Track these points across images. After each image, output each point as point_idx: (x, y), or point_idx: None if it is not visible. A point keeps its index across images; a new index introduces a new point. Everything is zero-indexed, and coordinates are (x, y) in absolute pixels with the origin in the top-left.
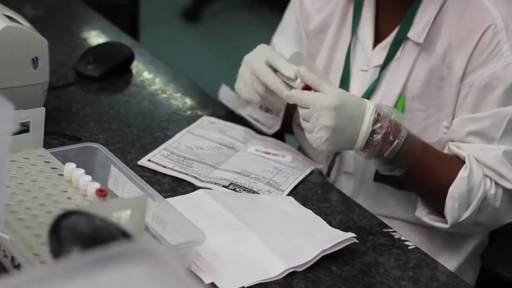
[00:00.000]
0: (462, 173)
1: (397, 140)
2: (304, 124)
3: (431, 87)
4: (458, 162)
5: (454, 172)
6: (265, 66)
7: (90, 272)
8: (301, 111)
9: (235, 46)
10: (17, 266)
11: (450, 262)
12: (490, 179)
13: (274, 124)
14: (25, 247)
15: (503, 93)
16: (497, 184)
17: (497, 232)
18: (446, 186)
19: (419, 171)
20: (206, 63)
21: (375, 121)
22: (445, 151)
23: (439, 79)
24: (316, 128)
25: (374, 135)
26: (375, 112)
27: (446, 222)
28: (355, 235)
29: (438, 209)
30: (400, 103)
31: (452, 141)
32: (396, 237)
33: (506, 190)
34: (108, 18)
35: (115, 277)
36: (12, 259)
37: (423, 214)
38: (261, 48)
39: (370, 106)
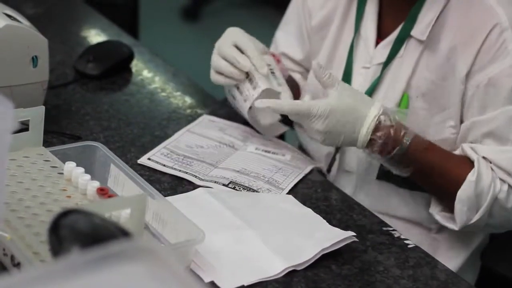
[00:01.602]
0: (471, 177)
1: (398, 147)
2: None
3: (435, 86)
4: (467, 163)
5: (463, 173)
6: (233, 48)
7: (90, 271)
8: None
9: None
10: (17, 265)
11: (450, 261)
12: (502, 181)
13: (275, 128)
14: (25, 245)
15: (511, 91)
16: (510, 186)
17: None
18: (455, 187)
19: (426, 172)
20: (206, 61)
21: (376, 129)
22: (458, 152)
23: (442, 78)
24: (311, 132)
25: (372, 145)
26: (376, 120)
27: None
28: (355, 234)
29: (450, 207)
30: (404, 102)
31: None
32: (396, 235)
33: None
34: (108, 16)
35: (115, 275)
36: (12, 257)
37: (436, 211)
38: (229, 32)
39: (370, 113)
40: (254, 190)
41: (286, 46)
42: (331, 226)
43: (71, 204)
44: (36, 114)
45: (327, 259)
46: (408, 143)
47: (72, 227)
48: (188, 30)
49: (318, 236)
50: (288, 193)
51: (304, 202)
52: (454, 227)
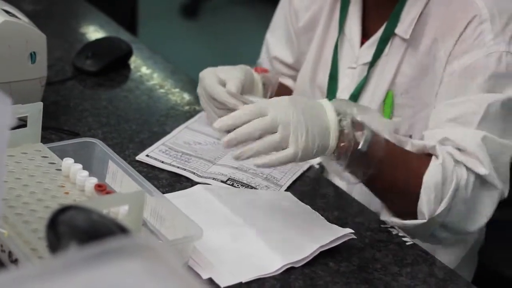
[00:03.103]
0: (435, 161)
1: (365, 129)
2: (268, 145)
3: (419, 82)
4: (426, 156)
5: (424, 163)
6: (209, 100)
7: (88, 267)
8: (267, 139)
9: (233, 42)
10: (15, 261)
11: (447, 258)
12: (465, 167)
13: None
14: (22, 242)
15: (484, 82)
16: (469, 170)
17: (495, 229)
18: (419, 179)
19: (391, 164)
20: (205, 58)
21: (336, 113)
22: (408, 146)
23: (426, 73)
24: (291, 141)
25: (342, 124)
26: (332, 105)
27: (415, 219)
28: (353, 231)
29: (409, 210)
30: (388, 99)
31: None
32: (393, 233)
33: (478, 177)
34: (107, 13)
35: (113, 272)
36: (10, 254)
37: (389, 217)
38: (200, 79)
39: (323, 101)
40: (252, 187)
41: (277, 50)
42: (329, 223)
43: (69, 201)
44: (34, 110)
45: (325, 256)
46: (369, 133)
47: (70, 224)
48: (187, 27)
49: (316, 233)
50: (286, 190)
51: (302, 199)
52: (421, 220)
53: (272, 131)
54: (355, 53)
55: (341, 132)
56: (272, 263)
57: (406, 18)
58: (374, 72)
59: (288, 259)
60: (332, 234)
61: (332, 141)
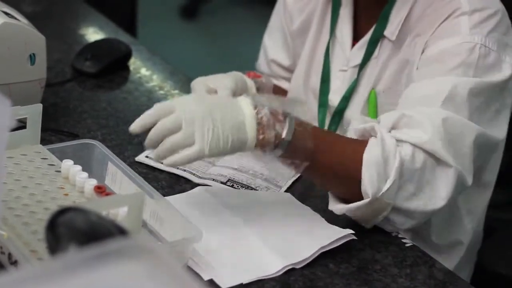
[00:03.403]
0: (373, 139)
1: (287, 118)
2: (170, 146)
3: (400, 77)
4: (361, 140)
5: (362, 144)
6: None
7: (87, 269)
8: (169, 140)
9: (232, 43)
10: (14, 263)
11: (446, 260)
12: (410, 144)
13: None
14: (22, 243)
15: (453, 68)
16: (415, 145)
17: (493, 229)
18: (358, 161)
19: (325, 151)
20: (204, 59)
21: (253, 107)
22: (349, 133)
23: (405, 67)
24: (196, 137)
25: (260, 116)
26: (248, 99)
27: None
28: (353, 232)
29: (354, 194)
30: (371, 98)
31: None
32: (393, 234)
33: (429, 155)
34: (106, 14)
35: (112, 273)
36: (9, 255)
37: (334, 206)
38: (192, 89)
39: (239, 98)
40: (252, 188)
41: (274, 53)
42: (330, 224)
43: (69, 202)
44: (34, 112)
45: (325, 258)
46: (292, 122)
47: (69, 225)
48: (186, 28)
49: (316, 234)
50: (286, 191)
51: (302, 201)
52: (364, 200)
53: (178, 128)
54: (346, 56)
55: (259, 124)
56: (273, 264)
57: (394, 20)
58: (364, 74)
59: (288, 260)
60: (333, 235)
61: (250, 133)
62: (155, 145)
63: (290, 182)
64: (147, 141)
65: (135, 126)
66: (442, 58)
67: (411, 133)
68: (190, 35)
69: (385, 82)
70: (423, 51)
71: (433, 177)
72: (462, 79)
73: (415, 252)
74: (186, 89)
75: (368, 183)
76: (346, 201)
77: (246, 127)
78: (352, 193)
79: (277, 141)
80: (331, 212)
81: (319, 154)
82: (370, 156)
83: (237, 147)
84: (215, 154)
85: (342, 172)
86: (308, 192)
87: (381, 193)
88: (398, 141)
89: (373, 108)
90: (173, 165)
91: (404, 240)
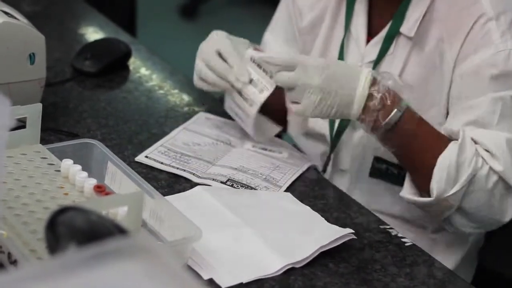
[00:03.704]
0: (454, 144)
1: (395, 110)
2: (292, 100)
3: (426, 81)
4: (451, 140)
5: (447, 144)
6: (216, 57)
7: (87, 268)
8: (289, 93)
9: None
10: (14, 262)
11: (447, 259)
12: (484, 161)
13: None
14: (22, 243)
15: (494, 80)
16: (491, 168)
17: (495, 229)
18: (435, 158)
19: (414, 145)
20: None
21: (371, 84)
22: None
23: (432, 72)
24: (306, 93)
25: (371, 100)
26: (370, 75)
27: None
28: (353, 231)
29: (423, 187)
30: None
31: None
32: (393, 233)
33: (501, 179)
34: (106, 14)
35: (112, 273)
36: (9, 255)
37: (407, 192)
38: (213, 37)
39: (364, 70)
40: (252, 188)
41: (273, 48)
42: (329, 224)
43: (68, 202)
44: (34, 112)
45: (324, 257)
46: (403, 109)
47: (69, 225)
48: (186, 28)
49: (316, 234)
50: (286, 190)
51: (301, 200)
52: (429, 198)
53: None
54: (361, 52)
55: (366, 106)
56: (273, 264)
57: (411, 17)
58: (379, 70)
59: (288, 260)
60: (332, 234)
61: (354, 112)
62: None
63: (289, 182)
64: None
65: (256, 56)
66: (480, 72)
67: (486, 155)
68: (190, 34)
69: (408, 81)
70: (455, 64)
71: (502, 199)
72: (506, 93)
73: (415, 251)
74: (186, 88)
75: (436, 183)
76: (420, 190)
77: (353, 105)
78: (423, 185)
79: (375, 125)
80: (330, 211)
81: (406, 145)
82: (445, 158)
83: (338, 117)
84: (316, 117)
85: (419, 164)
86: (308, 192)
87: (446, 195)
88: (478, 153)
89: None
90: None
91: (403, 240)
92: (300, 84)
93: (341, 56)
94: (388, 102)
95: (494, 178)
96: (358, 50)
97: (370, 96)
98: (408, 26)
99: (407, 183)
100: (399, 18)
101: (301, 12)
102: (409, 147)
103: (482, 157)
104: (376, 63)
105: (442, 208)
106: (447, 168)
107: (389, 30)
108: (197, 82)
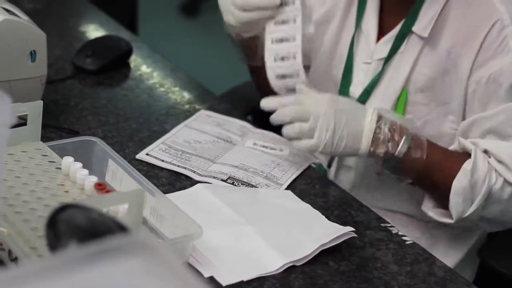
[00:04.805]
0: (466, 166)
1: (404, 137)
2: (298, 131)
3: (435, 82)
4: (466, 157)
5: (460, 165)
6: None
7: (87, 266)
8: (297, 125)
9: None
10: (14, 259)
11: (448, 257)
12: (498, 174)
13: None
14: (22, 240)
15: (511, 87)
16: (505, 180)
17: None
18: (451, 179)
19: (428, 170)
20: (205, 57)
21: (378, 119)
22: (454, 146)
23: (443, 74)
24: (316, 133)
25: (378, 131)
26: (376, 112)
27: (451, 217)
28: (353, 229)
29: (444, 204)
30: (402, 96)
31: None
32: (393, 232)
33: None
34: (107, 11)
35: (112, 270)
36: (10, 252)
37: (429, 207)
38: None
39: (369, 107)
40: (252, 186)
41: None
42: (330, 222)
43: (69, 199)
44: (34, 109)
45: (325, 255)
46: (411, 136)
47: (69, 222)
48: (187, 25)
49: (317, 232)
50: (287, 188)
51: (302, 198)
52: (449, 220)
53: (306, 119)
54: (371, 49)
55: (374, 138)
56: (273, 262)
57: (424, 16)
58: (389, 68)
59: (289, 258)
60: (333, 232)
61: (363, 145)
62: (279, 123)
63: (290, 180)
64: (276, 117)
65: (271, 103)
66: (497, 80)
67: (500, 167)
68: (191, 32)
69: (418, 83)
70: (471, 71)
71: None
72: None
73: (415, 249)
74: (187, 86)
75: (454, 208)
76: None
77: (362, 139)
78: (442, 202)
79: (386, 157)
80: (331, 210)
81: (420, 171)
82: (460, 182)
83: (349, 153)
84: (328, 153)
85: (435, 186)
86: (309, 190)
87: (465, 215)
88: (491, 167)
89: (402, 106)
90: (298, 150)
91: (404, 238)
92: (314, 114)
93: (350, 52)
94: (396, 133)
95: (509, 189)
96: (368, 47)
97: (377, 129)
98: (421, 25)
99: (427, 197)
100: (412, 17)
101: (311, 8)
102: (422, 173)
103: (496, 170)
104: (387, 60)
105: (463, 224)
106: (462, 193)
107: (402, 29)
108: (238, 15)
